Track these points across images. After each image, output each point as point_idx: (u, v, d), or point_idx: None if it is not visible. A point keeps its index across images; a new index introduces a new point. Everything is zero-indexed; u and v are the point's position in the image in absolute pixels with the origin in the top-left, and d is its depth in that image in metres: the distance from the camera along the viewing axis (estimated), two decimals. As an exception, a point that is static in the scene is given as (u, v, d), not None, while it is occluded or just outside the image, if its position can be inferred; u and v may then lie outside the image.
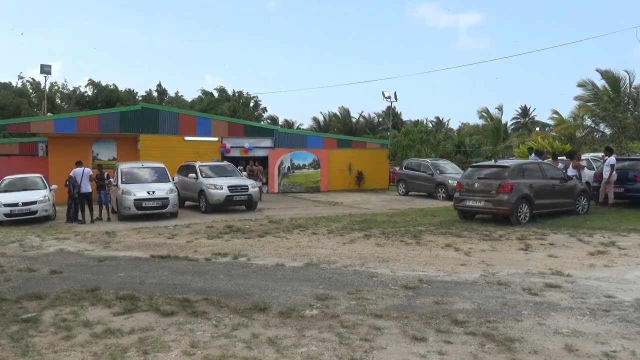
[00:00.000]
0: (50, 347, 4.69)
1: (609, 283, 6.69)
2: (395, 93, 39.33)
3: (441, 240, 10.18)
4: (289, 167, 25.80)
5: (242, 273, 7.64)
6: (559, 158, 16.31)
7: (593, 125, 26.57)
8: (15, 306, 6.04)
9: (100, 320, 5.46)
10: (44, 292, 6.62)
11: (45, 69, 38.33)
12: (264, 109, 54.95)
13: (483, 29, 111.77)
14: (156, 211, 15.16)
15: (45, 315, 5.67)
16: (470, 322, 5.14)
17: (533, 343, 4.58)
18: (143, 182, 15.98)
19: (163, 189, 15.51)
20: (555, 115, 31.49)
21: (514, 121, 54.99)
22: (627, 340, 4.64)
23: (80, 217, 14.90)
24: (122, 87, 47.93)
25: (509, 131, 46.67)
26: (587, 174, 15.98)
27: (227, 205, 16.85)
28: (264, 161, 24.90)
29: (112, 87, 46.11)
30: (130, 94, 48.18)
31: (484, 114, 38.11)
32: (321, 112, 63.13)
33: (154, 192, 15.26)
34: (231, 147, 24.23)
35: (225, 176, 17.51)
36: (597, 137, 27.28)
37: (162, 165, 17.02)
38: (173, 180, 16.78)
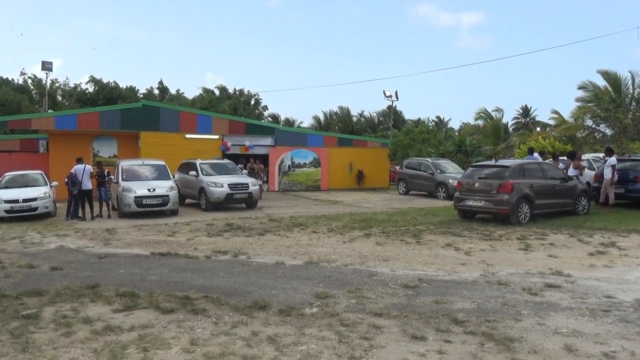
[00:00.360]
0: (50, 344, 4.70)
1: (608, 283, 6.69)
2: (396, 92, 39.21)
3: (441, 240, 10.18)
4: (289, 165, 25.80)
5: (242, 271, 7.65)
6: (559, 158, 16.30)
7: (594, 126, 26.51)
8: (15, 302, 6.05)
9: (101, 317, 5.47)
10: (44, 288, 6.63)
11: (46, 66, 38.41)
12: (265, 107, 55.04)
13: (484, 28, 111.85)
14: (156, 209, 15.16)
15: (46, 312, 5.68)
16: (469, 321, 5.15)
17: (532, 343, 4.58)
18: (143, 179, 15.99)
19: (163, 187, 15.51)
20: (555, 116, 31.46)
21: (514, 121, 55.02)
22: (627, 341, 4.64)
23: (80, 214, 14.94)
24: (123, 85, 47.96)
25: (510, 131, 46.61)
26: (588, 175, 15.96)
27: (227, 203, 16.84)
28: (264, 159, 24.91)
29: (113, 85, 46.01)
30: (132, 91, 48.12)
31: (482, 114, 38.06)
32: (322, 111, 62.97)
33: (154, 190, 15.25)
34: (232, 145, 24.23)
35: (226, 174, 17.50)
36: (598, 137, 27.22)
37: (162, 162, 17.01)
38: (173, 177, 16.79)
